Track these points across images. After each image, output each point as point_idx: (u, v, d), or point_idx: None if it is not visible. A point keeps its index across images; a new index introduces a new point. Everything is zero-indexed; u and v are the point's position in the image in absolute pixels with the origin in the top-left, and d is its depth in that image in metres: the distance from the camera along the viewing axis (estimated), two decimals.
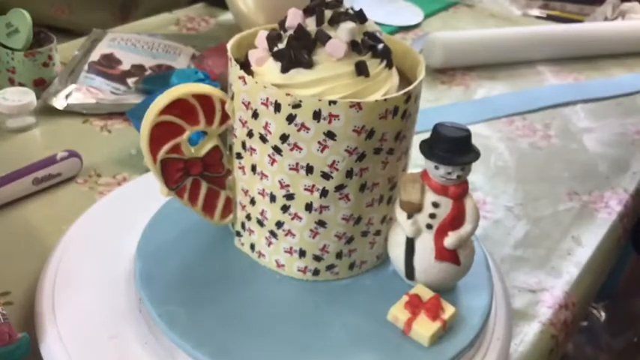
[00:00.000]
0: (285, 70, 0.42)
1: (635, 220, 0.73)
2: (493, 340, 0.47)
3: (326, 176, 0.43)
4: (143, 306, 0.45)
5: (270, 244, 0.47)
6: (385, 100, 0.41)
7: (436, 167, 0.43)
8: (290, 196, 0.44)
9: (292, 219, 0.45)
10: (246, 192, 0.46)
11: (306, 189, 0.43)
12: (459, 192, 0.44)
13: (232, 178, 0.47)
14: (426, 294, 0.45)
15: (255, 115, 0.43)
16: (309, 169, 0.43)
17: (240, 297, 0.45)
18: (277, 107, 0.41)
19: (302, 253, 0.46)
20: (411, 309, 0.44)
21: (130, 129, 0.71)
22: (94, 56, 0.84)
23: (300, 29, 0.42)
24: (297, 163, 0.43)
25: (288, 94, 0.41)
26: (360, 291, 0.47)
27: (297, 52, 0.41)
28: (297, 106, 0.41)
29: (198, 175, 0.46)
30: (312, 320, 0.44)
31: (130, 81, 0.80)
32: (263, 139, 0.43)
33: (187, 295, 0.45)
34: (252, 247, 0.48)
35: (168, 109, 0.42)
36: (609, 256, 0.66)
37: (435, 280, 0.46)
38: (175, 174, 0.45)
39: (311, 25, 0.42)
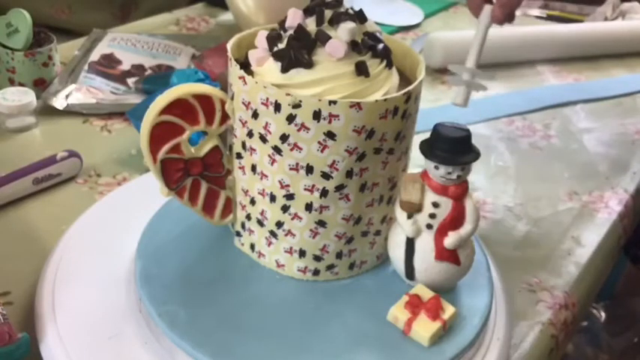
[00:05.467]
0: (285, 70, 0.42)
1: (633, 226, 0.73)
2: (493, 340, 0.47)
3: (326, 176, 0.43)
4: (143, 306, 0.45)
5: (270, 244, 0.47)
6: (385, 100, 0.41)
7: (436, 167, 0.43)
8: (290, 196, 0.44)
9: (292, 219, 0.45)
10: (246, 192, 0.46)
11: (306, 189, 0.43)
12: (459, 192, 0.44)
13: (232, 178, 0.47)
14: (426, 294, 0.45)
15: (255, 115, 0.43)
16: (309, 169, 0.43)
17: (240, 297, 0.45)
18: (277, 107, 0.41)
19: (302, 253, 0.46)
20: (411, 309, 0.44)
21: (130, 129, 0.71)
22: (94, 56, 0.84)
23: (300, 29, 0.42)
24: (297, 163, 0.43)
25: (288, 94, 0.41)
26: (360, 291, 0.47)
27: (297, 52, 0.41)
28: (297, 106, 0.41)
29: (198, 175, 0.46)
30: (312, 320, 0.44)
31: (130, 81, 0.80)
32: (263, 139, 0.43)
33: (187, 295, 0.45)
34: (252, 247, 0.48)
35: (168, 109, 0.42)
36: (609, 256, 0.66)
37: (435, 280, 0.46)
38: (175, 174, 0.45)
39: (311, 25, 0.42)
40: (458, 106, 0.65)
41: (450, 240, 0.45)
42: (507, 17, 0.63)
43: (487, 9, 0.63)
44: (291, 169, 0.43)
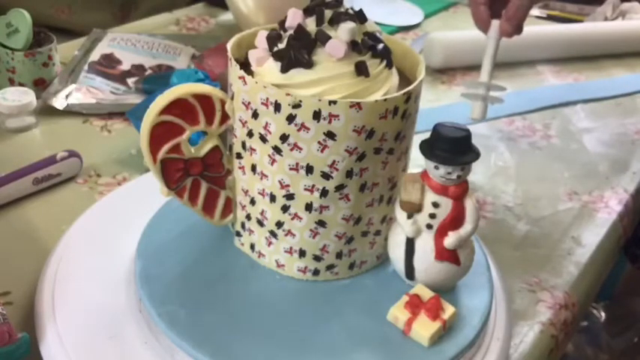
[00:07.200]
0: (285, 70, 0.42)
1: (632, 226, 0.73)
2: (493, 340, 0.47)
3: (326, 176, 0.43)
4: (143, 306, 0.45)
5: (270, 244, 0.47)
6: (385, 100, 0.41)
7: (436, 167, 0.43)
8: (290, 196, 0.44)
9: (292, 219, 0.45)
10: (246, 192, 0.46)
11: (306, 189, 0.43)
12: (459, 192, 0.44)
13: (232, 178, 0.47)
14: (426, 294, 0.45)
15: (255, 115, 0.43)
16: (309, 169, 0.43)
17: (240, 297, 0.45)
18: (277, 107, 0.41)
19: (302, 253, 0.46)
20: (411, 309, 0.44)
21: (130, 129, 0.71)
22: (94, 56, 0.84)
23: (300, 29, 0.42)
24: (297, 163, 0.43)
25: (288, 94, 0.41)
26: (360, 291, 0.47)
27: (297, 52, 0.41)
28: (297, 106, 0.41)
29: (198, 175, 0.46)
30: (312, 320, 0.44)
31: (130, 81, 0.80)
32: (263, 139, 0.43)
33: (187, 295, 0.45)
34: (252, 247, 0.48)
35: (168, 109, 0.42)
36: (609, 256, 0.66)
37: (435, 280, 0.46)
38: (175, 174, 0.45)
39: (311, 25, 0.42)
40: (476, 121, 0.66)
41: (450, 240, 0.45)
42: (515, 30, 0.63)
43: (495, 24, 0.64)
44: (291, 169, 0.43)
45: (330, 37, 0.41)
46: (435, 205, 0.44)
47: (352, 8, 0.44)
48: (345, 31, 0.41)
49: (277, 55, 0.42)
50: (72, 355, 0.42)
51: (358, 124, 0.41)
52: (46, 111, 0.73)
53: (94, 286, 0.48)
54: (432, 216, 0.45)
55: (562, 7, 1.31)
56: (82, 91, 0.76)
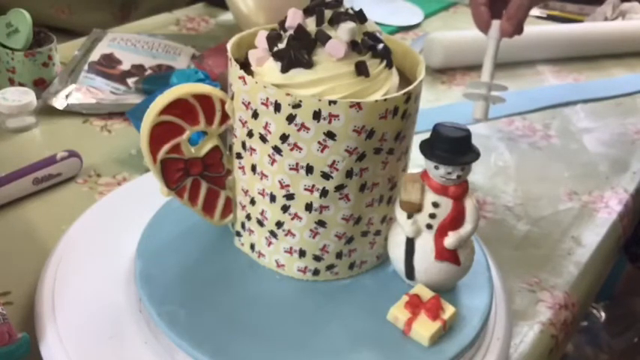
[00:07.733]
0: (285, 70, 0.42)
1: (632, 226, 0.73)
2: (493, 340, 0.47)
3: (326, 176, 0.43)
4: (143, 306, 0.45)
5: (270, 244, 0.47)
6: (385, 100, 0.41)
7: (436, 167, 0.43)
8: (290, 196, 0.44)
9: (292, 219, 0.45)
10: (246, 192, 0.46)
11: (306, 189, 0.43)
12: (459, 192, 0.44)
13: (232, 178, 0.47)
14: (426, 294, 0.45)
15: (255, 115, 0.43)
16: (309, 169, 0.43)
17: (240, 297, 0.45)
18: (277, 107, 0.41)
19: (302, 253, 0.46)
20: (411, 309, 0.44)
21: (130, 129, 0.71)
22: (94, 56, 0.84)
23: (300, 29, 0.42)
24: (297, 163, 0.43)
25: (288, 94, 0.41)
26: (360, 291, 0.47)
27: (297, 52, 0.41)
28: (297, 106, 0.41)
29: (198, 175, 0.46)
30: (312, 320, 0.44)
31: (130, 81, 0.80)
32: (263, 139, 0.43)
33: (187, 295, 0.45)
34: (252, 247, 0.48)
35: (168, 109, 0.42)
36: (609, 256, 0.66)
37: (435, 280, 0.46)
38: (175, 174, 0.45)
39: (311, 25, 0.42)
40: (479, 121, 0.66)
41: (450, 240, 0.45)
42: (516, 29, 0.63)
43: (495, 24, 0.64)
44: (291, 169, 0.43)
45: (330, 37, 0.41)
46: (435, 205, 0.44)
47: (352, 8, 0.44)
48: (345, 31, 0.41)
49: (277, 55, 0.42)
50: (72, 355, 0.42)
51: (358, 124, 0.41)
52: (46, 111, 0.73)
53: (94, 286, 0.48)
54: (432, 216, 0.45)
55: (562, 7, 1.31)
56: (82, 91, 0.76)
